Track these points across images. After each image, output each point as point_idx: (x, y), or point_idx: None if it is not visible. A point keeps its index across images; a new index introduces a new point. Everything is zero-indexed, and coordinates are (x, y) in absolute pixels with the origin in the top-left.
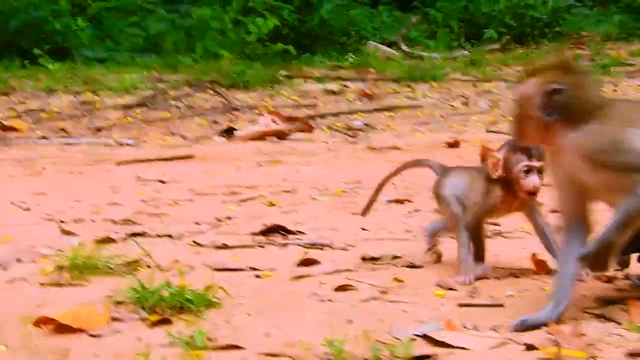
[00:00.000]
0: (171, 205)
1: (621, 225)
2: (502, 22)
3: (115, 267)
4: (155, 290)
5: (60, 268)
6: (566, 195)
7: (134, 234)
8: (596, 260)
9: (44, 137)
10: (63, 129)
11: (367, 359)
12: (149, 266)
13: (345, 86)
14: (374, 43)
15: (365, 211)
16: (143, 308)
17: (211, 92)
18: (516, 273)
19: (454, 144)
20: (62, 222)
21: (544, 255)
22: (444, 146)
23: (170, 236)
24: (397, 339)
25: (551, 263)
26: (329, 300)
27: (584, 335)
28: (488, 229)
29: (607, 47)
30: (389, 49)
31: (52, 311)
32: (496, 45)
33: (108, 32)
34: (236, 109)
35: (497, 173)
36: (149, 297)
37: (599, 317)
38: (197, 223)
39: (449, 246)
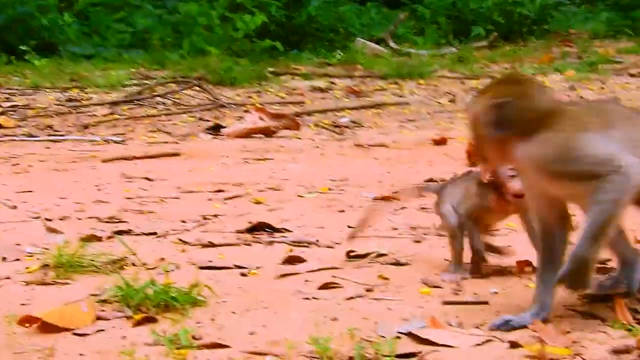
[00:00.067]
0: (157, 202)
1: (591, 239)
2: (490, 19)
3: (100, 265)
4: (140, 288)
5: (45, 266)
6: (539, 202)
7: (120, 232)
8: (575, 280)
9: (30, 135)
10: (50, 126)
11: (352, 357)
12: (134, 264)
13: (333, 83)
14: (362, 40)
15: (351, 236)
16: (128, 306)
17: (198, 88)
18: (501, 270)
19: (440, 141)
20: (47, 219)
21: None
22: (430, 143)
23: (155, 234)
24: (382, 337)
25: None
26: (314, 298)
27: (568, 332)
28: None
29: (594, 44)
30: (376, 46)
31: (37, 310)
32: (484, 43)
33: (95, 27)
34: (223, 106)
35: (488, 177)
36: (134, 296)
37: (584, 314)
38: (183, 221)
39: (436, 243)
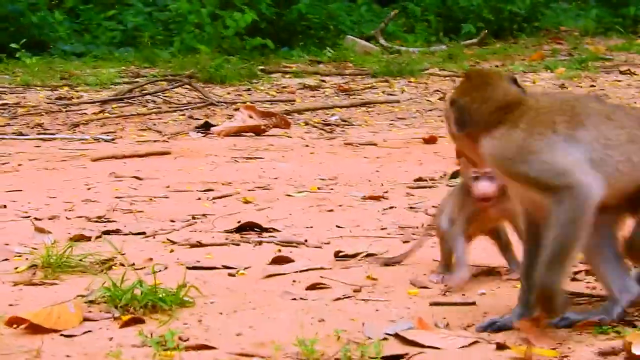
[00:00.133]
0: (146, 202)
1: (552, 266)
2: (480, 17)
3: (88, 265)
4: (127, 289)
5: (33, 267)
6: (522, 199)
7: (108, 232)
8: (544, 307)
9: (20, 133)
10: (40, 125)
11: (338, 359)
12: (122, 264)
13: (323, 81)
14: (352, 37)
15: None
16: (116, 307)
17: (188, 87)
18: (489, 271)
19: (430, 140)
20: (36, 219)
21: None
22: (420, 142)
23: (144, 234)
24: (369, 338)
25: None
26: (302, 298)
27: (555, 334)
28: None
29: (585, 41)
30: (367, 44)
31: (25, 310)
32: (474, 40)
33: (86, 25)
34: (213, 104)
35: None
36: (122, 297)
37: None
38: (171, 220)
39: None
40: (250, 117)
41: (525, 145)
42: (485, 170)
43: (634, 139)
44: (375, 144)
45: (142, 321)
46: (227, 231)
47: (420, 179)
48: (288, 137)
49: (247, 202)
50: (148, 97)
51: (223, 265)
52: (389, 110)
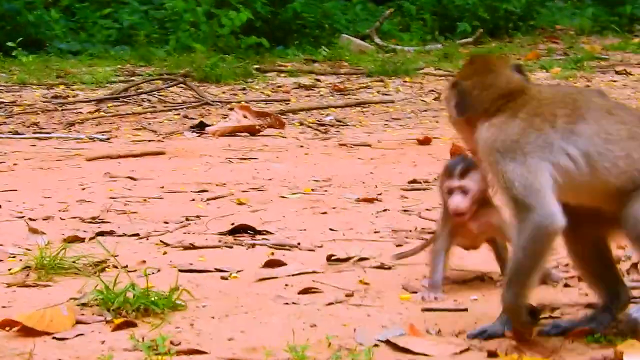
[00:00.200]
0: (140, 202)
1: (512, 284)
2: (476, 15)
3: (81, 267)
4: (120, 292)
5: (27, 268)
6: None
7: (102, 233)
8: (513, 321)
9: (16, 132)
10: (35, 123)
11: None
12: (115, 267)
13: (318, 80)
14: (347, 36)
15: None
16: (108, 310)
17: (183, 86)
18: (482, 276)
19: (424, 141)
20: (31, 220)
21: None
22: (414, 143)
23: (138, 235)
24: (360, 344)
25: None
26: (294, 303)
27: (546, 342)
28: None
29: (581, 40)
30: (362, 42)
31: (17, 312)
32: (470, 39)
33: (81, 24)
34: (208, 104)
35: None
36: (114, 300)
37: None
38: (165, 222)
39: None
40: (245, 117)
41: (519, 140)
42: (458, 184)
43: (635, 136)
44: (369, 145)
45: (134, 325)
46: (220, 233)
47: (414, 181)
48: (282, 137)
49: (240, 203)
50: (143, 96)
51: (216, 268)
52: (383, 110)
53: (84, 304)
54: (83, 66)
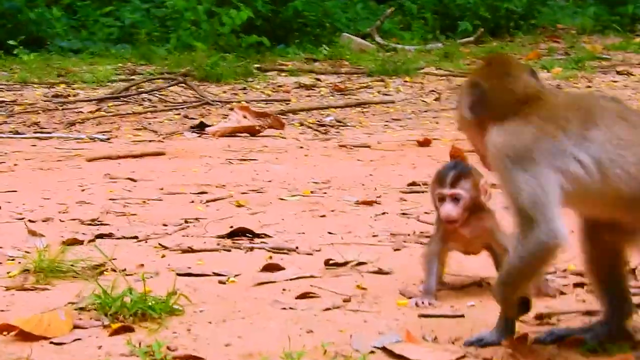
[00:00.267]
0: (140, 204)
1: (502, 285)
2: (477, 15)
3: (80, 270)
4: (117, 297)
5: (25, 271)
6: None
7: (101, 235)
8: (506, 311)
9: (16, 132)
10: (36, 123)
11: None
12: (114, 270)
13: (319, 80)
14: (348, 35)
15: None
16: (105, 315)
17: (184, 85)
18: (480, 282)
19: (424, 143)
20: (30, 221)
21: None
22: (414, 144)
23: (137, 238)
24: (357, 351)
25: None
26: (291, 308)
27: (542, 350)
28: None
29: (582, 40)
30: (363, 41)
31: (15, 316)
32: (471, 38)
33: (83, 22)
34: (209, 103)
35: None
36: (112, 304)
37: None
38: (164, 224)
39: (416, 251)
40: (245, 117)
41: (531, 147)
42: (450, 192)
43: None
44: (369, 146)
45: (131, 329)
46: (219, 236)
47: (413, 184)
48: (282, 138)
49: (240, 205)
50: (144, 95)
51: (214, 272)
52: (384, 110)
53: (81, 309)
54: (84, 65)
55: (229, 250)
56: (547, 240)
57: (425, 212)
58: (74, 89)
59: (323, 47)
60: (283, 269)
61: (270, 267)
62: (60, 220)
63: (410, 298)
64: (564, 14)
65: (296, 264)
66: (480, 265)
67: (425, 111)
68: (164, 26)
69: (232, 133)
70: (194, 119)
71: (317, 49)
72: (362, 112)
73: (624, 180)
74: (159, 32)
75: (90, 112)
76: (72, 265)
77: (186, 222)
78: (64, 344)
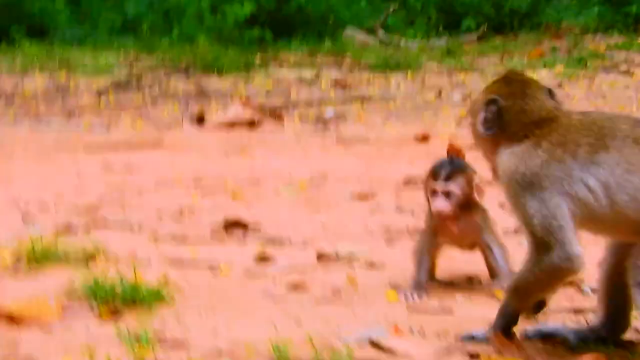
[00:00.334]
0: (135, 194)
1: (517, 294)
2: (480, 12)
3: (72, 257)
4: (108, 284)
5: (19, 257)
6: None
7: (96, 224)
8: (503, 330)
9: (16, 120)
10: (36, 111)
11: None
12: (106, 258)
13: (320, 74)
14: (351, 30)
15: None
16: (96, 301)
17: (185, 76)
18: (470, 278)
19: (423, 138)
20: (26, 209)
21: None
22: (413, 140)
23: (130, 227)
24: (344, 343)
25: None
26: (281, 299)
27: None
28: None
29: (586, 39)
30: (366, 36)
31: (7, 302)
32: (474, 35)
33: (86, 12)
34: (209, 95)
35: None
36: (102, 291)
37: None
38: (159, 214)
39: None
40: (245, 110)
41: (539, 173)
42: (443, 188)
43: None
44: (367, 141)
45: (120, 316)
46: (212, 227)
47: (409, 179)
48: (281, 131)
49: (235, 197)
50: (144, 86)
51: (206, 262)
52: (384, 105)
53: (72, 295)
54: (86, 55)
55: (222, 241)
56: (562, 264)
57: (420, 208)
58: (75, 79)
59: (326, 41)
60: (275, 260)
61: (262, 259)
62: (55, 208)
63: (400, 292)
64: (568, 13)
65: (288, 255)
66: (471, 262)
67: (425, 107)
68: (167, 18)
69: (231, 125)
70: (193, 110)
71: (320, 44)
72: (362, 107)
73: (632, 208)
74: (161, 24)
75: (91, 102)
76: (65, 253)
77: (181, 212)
78: (53, 329)
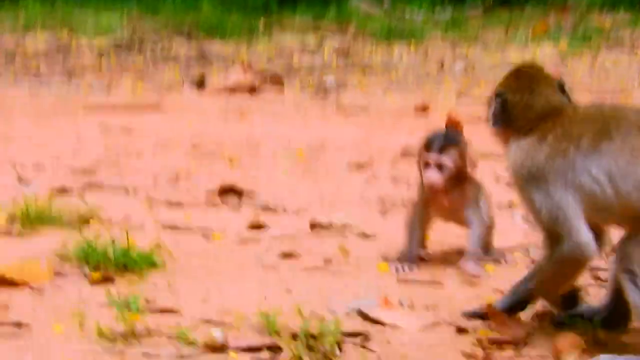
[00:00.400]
0: (132, 156)
1: (539, 286)
2: None
3: (66, 219)
4: (100, 248)
5: (12, 218)
6: None
7: (91, 186)
8: (506, 309)
9: (16, 79)
10: (37, 71)
11: (296, 334)
12: (100, 220)
13: (323, 41)
14: None
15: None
16: (87, 265)
17: (187, 39)
18: (460, 250)
19: (422, 109)
20: (21, 169)
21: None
22: (413, 110)
23: (126, 189)
24: (333, 312)
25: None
26: (272, 267)
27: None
28: None
29: (592, 14)
30: (371, 5)
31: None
32: (479, 8)
33: None
34: (211, 59)
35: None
36: (94, 255)
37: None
38: (155, 177)
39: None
40: (245, 76)
41: (544, 168)
42: (436, 159)
43: None
44: (367, 110)
45: (112, 280)
46: (208, 192)
47: (407, 149)
48: (281, 98)
49: (232, 163)
50: (147, 47)
51: (199, 228)
52: (385, 76)
53: (64, 257)
54: (89, 14)
55: (217, 207)
56: (573, 254)
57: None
58: (77, 38)
59: (331, 9)
60: (268, 227)
61: (256, 225)
62: (52, 168)
63: (391, 263)
64: None
65: (282, 223)
66: (462, 235)
67: (427, 78)
68: None
69: (231, 91)
70: (194, 74)
71: (325, 11)
72: (364, 76)
73: (635, 195)
74: None
75: (92, 62)
76: (59, 214)
77: (177, 176)
78: (44, 291)
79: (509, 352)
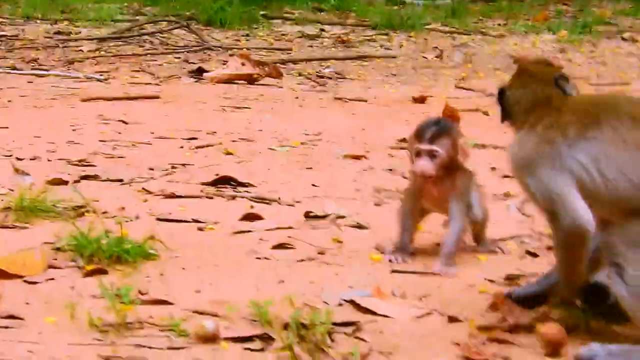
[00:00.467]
0: (129, 147)
1: (562, 275)
2: None
3: (61, 210)
4: (94, 239)
5: (7, 209)
6: None
7: (86, 177)
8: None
9: (14, 67)
10: (35, 60)
11: (288, 324)
12: (94, 212)
13: (323, 30)
14: None
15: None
16: (81, 256)
17: (187, 29)
18: None
19: (420, 100)
20: (17, 159)
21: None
22: (410, 101)
23: (121, 181)
24: (325, 302)
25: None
26: (266, 258)
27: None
28: None
29: (592, 3)
30: None
31: None
32: None
33: None
34: (210, 49)
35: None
36: (88, 246)
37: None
38: (150, 168)
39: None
40: (244, 65)
41: (533, 156)
42: (427, 148)
43: None
44: (365, 100)
45: (105, 272)
46: (203, 183)
47: (403, 140)
48: (279, 87)
49: (228, 153)
50: (146, 37)
51: (193, 219)
52: (384, 65)
53: (58, 249)
54: (89, 3)
55: (212, 198)
56: (571, 229)
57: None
58: (76, 27)
59: None
60: (263, 218)
61: (250, 217)
62: (48, 159)
63: (384, 253)
64: None
65: (277, 214)
66: None
67: (426, 68)
68: None
69: (230, 80)
70: (193, 63)
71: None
72: (363, 65)
73: (621, 188)
74: None
75: (90, 51)
76: (53, 205)
77: (173, 167)
78: (37, 282)
79: (500, 338)
